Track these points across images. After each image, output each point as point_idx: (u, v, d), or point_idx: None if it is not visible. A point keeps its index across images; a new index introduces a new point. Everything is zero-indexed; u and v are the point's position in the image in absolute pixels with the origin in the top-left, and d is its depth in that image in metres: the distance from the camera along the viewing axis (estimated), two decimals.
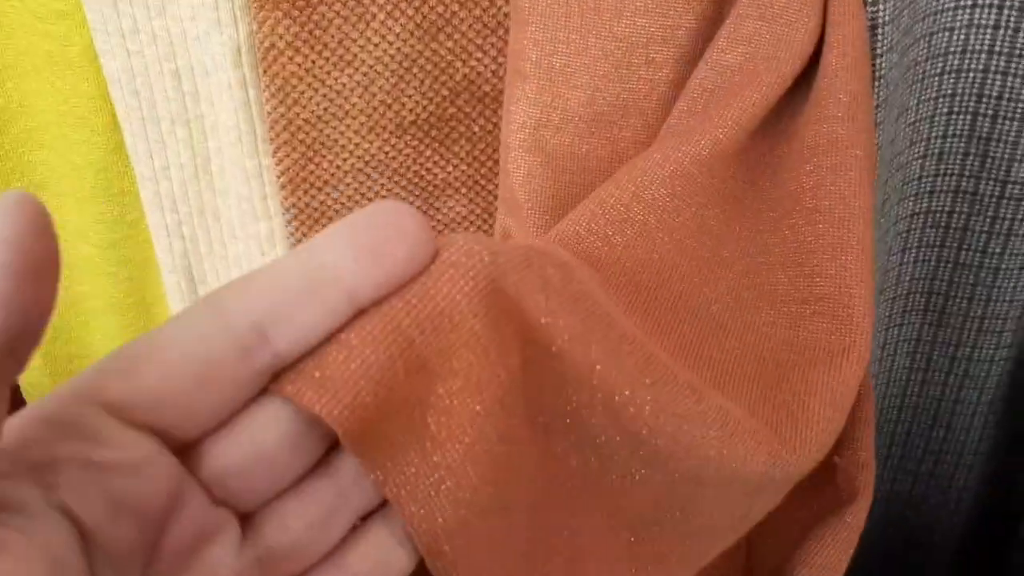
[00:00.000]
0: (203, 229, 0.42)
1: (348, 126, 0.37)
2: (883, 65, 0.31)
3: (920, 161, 0.38)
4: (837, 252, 0.28)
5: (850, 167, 0.28)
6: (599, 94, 0.31)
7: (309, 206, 0.38)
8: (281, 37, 0.34)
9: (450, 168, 0.39)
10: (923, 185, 0.38)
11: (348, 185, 0.38)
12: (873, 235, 0.28)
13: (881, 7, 0.30)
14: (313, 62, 0.35)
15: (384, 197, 0.39)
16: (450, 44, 0.36)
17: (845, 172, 0.28)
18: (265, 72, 0.35)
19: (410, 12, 0.36)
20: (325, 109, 0.36)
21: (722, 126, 0.29)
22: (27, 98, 0.40)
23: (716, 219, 0.30)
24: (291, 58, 0.35)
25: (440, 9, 0.36)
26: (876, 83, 0.31)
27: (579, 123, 0.32)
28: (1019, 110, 0.36)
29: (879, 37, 0.31)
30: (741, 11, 0.30)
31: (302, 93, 0.36)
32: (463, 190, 0.40)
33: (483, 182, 0.40)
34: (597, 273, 0.27)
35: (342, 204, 0.38)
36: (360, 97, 0.37)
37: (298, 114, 0.36)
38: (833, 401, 0.27)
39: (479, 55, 0.37)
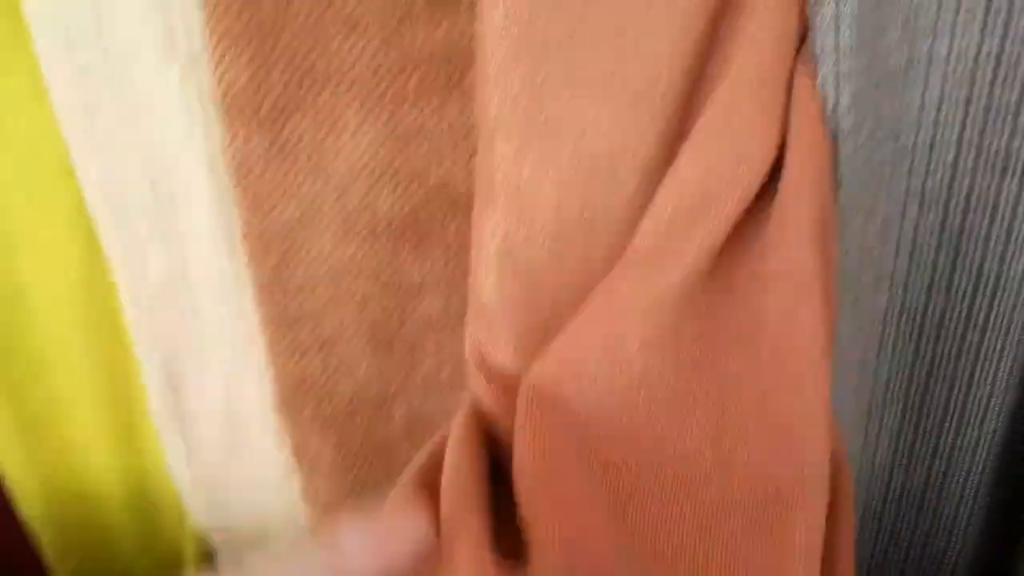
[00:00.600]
0: (182, 330, 0.42)
1: (322, 233, 0.37)
2: (846, 171, 0.31)
3: (892, 257, 0.38)
4: (798, 389, 0.28)
5: (813, 294, 0.28)
6: (564, 209, 0.31)
7: (287, 311, 0.38)
8: (252, 150, 0.35)
9: (425, 269, 0.39)
10: (896, 279, 0.38)
11: (325, 288, 0.39)
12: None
13: (841, 117, 0.30)
14: (285, 173, 0.36)
15: (359, 300, 0.39)
16: (423, 151, 0.37)
17: (808, 300, 0.28)
18: (237, 184, 0.35)
19: (384, 119, 0.36)
20: (299, 218, 0.37)
21: (688, 252, 0.29)
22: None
23: (688, 352, 0.30)
24: (263, 171, 0.35)
25: (413, 116, 0.36)
26: (839, 190, 0.32)
27: (546, 236, 0.32)
28: (989, 205, 0.37)
29: (840, 142, 0.31)
30: (703, 126, 0.30)
31: (275, 204, 0.36)
32: (437, 290, 0.40)
33: (458, 281, 0.40)
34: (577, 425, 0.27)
35: (318, 310, 0.39)
36: (334, 205, 0.37)
37: (272, 223, 0.37)
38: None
39: (449, 163, 0.37)
